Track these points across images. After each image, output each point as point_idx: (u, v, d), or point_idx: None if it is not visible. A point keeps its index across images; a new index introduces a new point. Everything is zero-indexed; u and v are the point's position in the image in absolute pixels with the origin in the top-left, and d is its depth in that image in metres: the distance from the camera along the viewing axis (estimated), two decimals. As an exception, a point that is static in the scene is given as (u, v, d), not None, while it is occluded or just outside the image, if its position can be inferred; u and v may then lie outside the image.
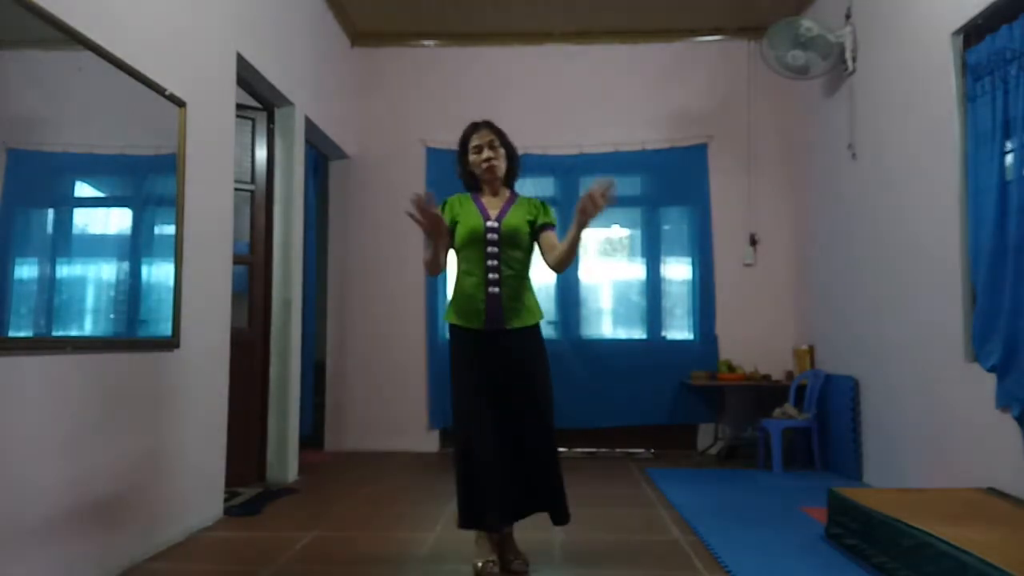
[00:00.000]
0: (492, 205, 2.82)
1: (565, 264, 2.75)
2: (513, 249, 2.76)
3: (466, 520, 2.70)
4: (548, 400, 2.76)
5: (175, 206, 3.17)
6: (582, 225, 2.56)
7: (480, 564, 2.70)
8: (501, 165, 2.82)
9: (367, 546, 3.19)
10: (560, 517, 2.75)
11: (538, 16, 5.66)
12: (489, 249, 2.73)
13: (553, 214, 2.88)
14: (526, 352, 2.75)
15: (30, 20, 2.32)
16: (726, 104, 5.85)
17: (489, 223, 2.75)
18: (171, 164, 3.16)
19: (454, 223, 2.79)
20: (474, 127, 2.87)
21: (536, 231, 2.83)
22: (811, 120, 5.38)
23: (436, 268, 2.76)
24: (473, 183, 2.90)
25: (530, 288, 2.82)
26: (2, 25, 2.24)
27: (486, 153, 2.80)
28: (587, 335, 5.82)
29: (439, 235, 2.66)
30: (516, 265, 2.77)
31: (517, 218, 2.78)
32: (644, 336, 5.75)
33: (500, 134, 2.84)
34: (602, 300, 6.00)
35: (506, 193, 2.87)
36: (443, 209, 2.81)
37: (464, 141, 2.87)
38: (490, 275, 2.72)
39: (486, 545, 2.75)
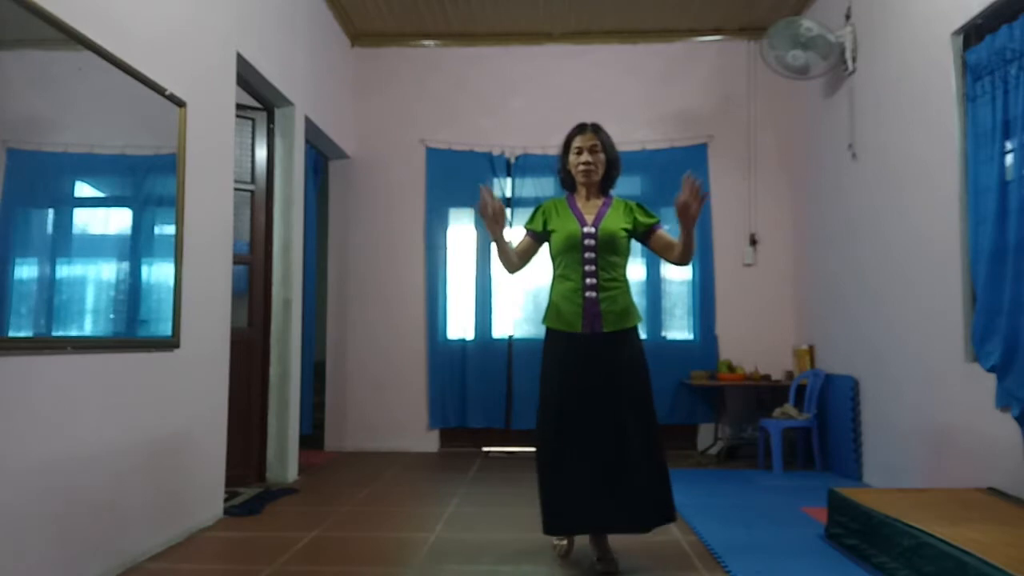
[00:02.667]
0: (588, 210, 2.82)
1: (688, 259, 2.78)
2: (610, 254, 2.76)
3: (551, 527, 2.73)
4: (648, 405, 2.74)
5: (175, 206, 3.17)
6: (689, 226, 2.61)
7: (555, 542, 2.91)
8: (598, 171, 2.82)
9: (367, 546, 3.19)
10: (667, 516, 2.74)
11: (538, 16, 5.66)
12: (586, 255, 2.74)
13: (651, 211, 2.88)
14: (624, 355, 2.73)
15: (30, 20, 2.32)
16: (726, 104, 5.85)
17: (586, 228, 2.76)
18: (171, 164, 3.16)
19: (550, 231, 2.82)
20: (580, 129, 2.85)
21: (642, 234, 2.84)
22: (811, 120, 5.38)
23: (510, 265, 2.83)
24: (570, 183, 2.91)
25: (628, 291, 2.81)
26: (2, 25, 2.24)
27: (585, 156, 2.80)
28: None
29: (500, 227, 2.71)
30: (613, 270, 2.77)
31: (613, 223, 2.78)
32: (644, 336, 5.71)
33: (604, 139, 2.83)
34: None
35: (601, 198, 2.86)
36: (538, 214, 2.87)
37: (568, 141, 2.87)
38: (587, 280, 2.73)
39: None
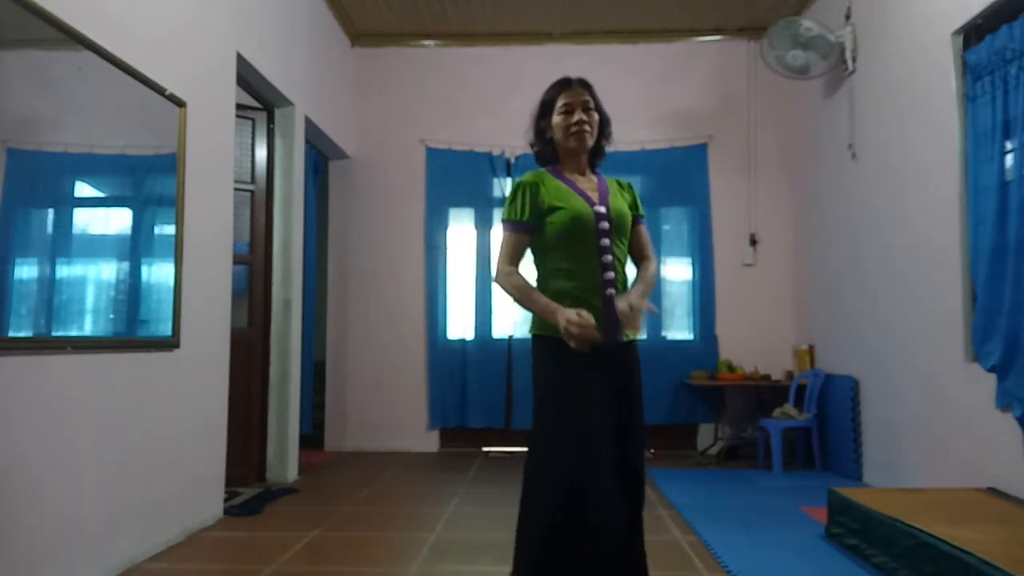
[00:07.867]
0: (586, 186, 2.18)
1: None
2: (623, 240, 2.17)
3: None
4: (644, 438, 2.21)
5: (175, 206, 3.17)
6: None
7: None
8: (593, 133, 2.20)
9: (367, 546, 3.19)
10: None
11: (538, 16, 5.66)
12: (602, 242, 2.09)
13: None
14: (635, 376, 2.19)
15: (30, 20, 2.32)
16: (726, 104, 5.85)
17: (597, 208, 2.11)
18: (171, 164, 3.16)
19: (545, 210, 2.11)
20: (565, 83, 2.26)
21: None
22: (811, 120, 5.38)
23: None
24: (550, 156, 2.25)
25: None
26: (2, 25, 2.24)
27: (578, 115, 2.17)
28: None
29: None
30: (625, 259, 2.20)
31: (620, 202, 2.19)
32: (643, 336, 5.75)
33: (596, 97, 2.26)
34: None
35: (591, 175, 2.25)
36: (521, 199, 2.14)
37: (549, 100, 2.25)
38: (607, 274, 2.09)
39: None
